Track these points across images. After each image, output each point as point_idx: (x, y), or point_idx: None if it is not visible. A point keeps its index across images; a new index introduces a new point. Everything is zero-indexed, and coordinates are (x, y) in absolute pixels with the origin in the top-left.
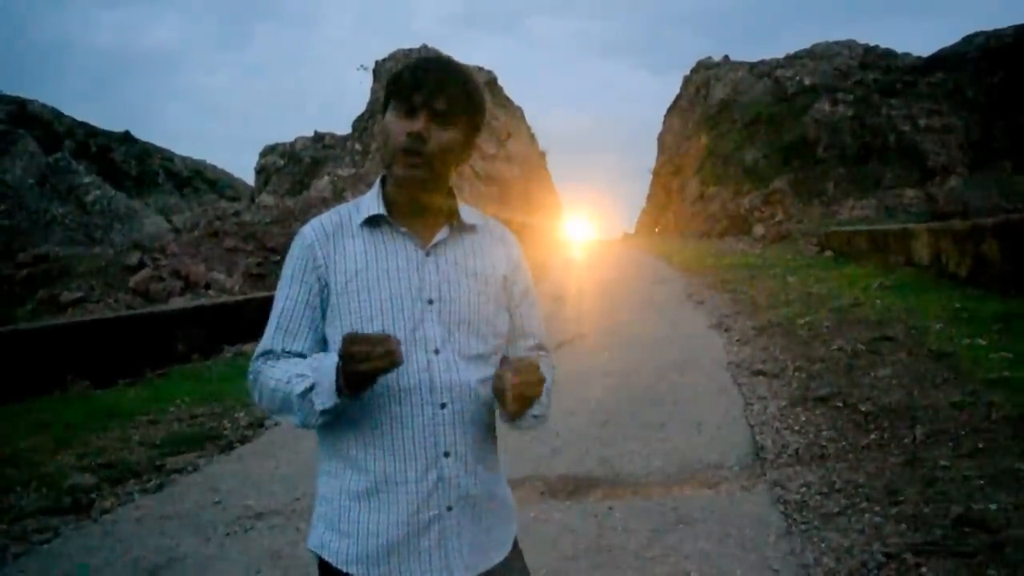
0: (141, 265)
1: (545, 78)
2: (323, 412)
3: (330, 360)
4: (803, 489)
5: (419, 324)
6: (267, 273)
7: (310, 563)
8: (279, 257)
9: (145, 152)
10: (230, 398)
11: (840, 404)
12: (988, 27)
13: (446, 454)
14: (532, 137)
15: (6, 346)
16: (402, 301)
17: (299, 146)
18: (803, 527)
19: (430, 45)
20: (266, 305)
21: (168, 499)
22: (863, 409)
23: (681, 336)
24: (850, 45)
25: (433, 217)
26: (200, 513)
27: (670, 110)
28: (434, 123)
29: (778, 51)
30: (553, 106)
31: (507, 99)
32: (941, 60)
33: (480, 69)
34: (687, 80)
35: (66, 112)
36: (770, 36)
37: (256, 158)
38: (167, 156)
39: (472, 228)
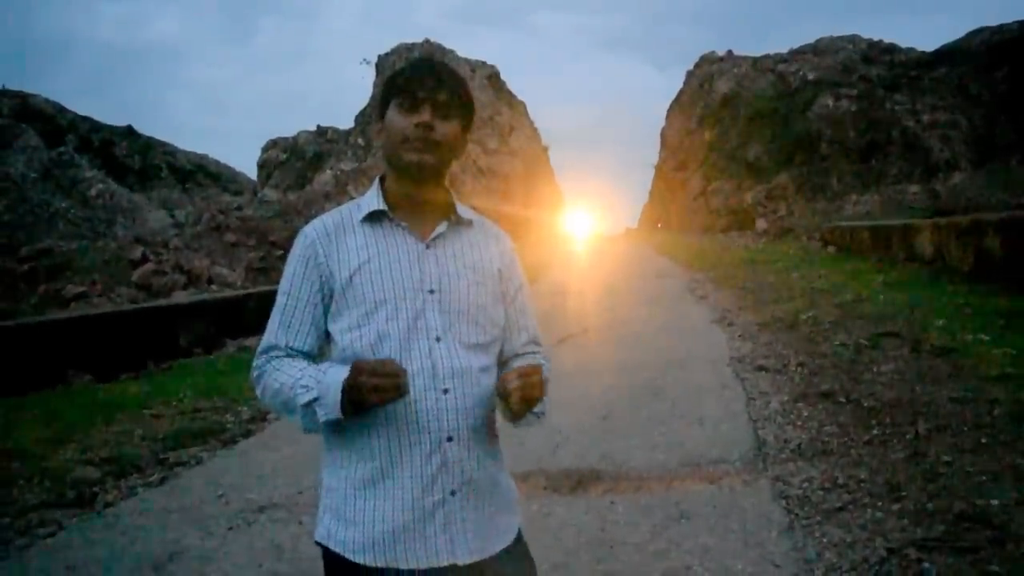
0: (144, 259)
1: (548, 73)
2: (325, 423)
3: (335, 376)
4: (805, 484)
5: (421, 313)
6: (269, 267)
7: (314, 556)
8: (281, 251)
9: (148, 146)
10: (233, 392)
11: (842, 399)
12: (993, 22)
13: (449, 439)
14: (535, 132)
15: (9, 340)
16: (404, 291)
17: (301, 140)
18: (805, 522)
19: (432, 39)
20: (268, 299)
21: (171, 493)
22: (865, 404)
23: (683, 331)
24: (854, 40)
25: (431, 212)
26: (203, 507)
27: (673, 105)
28: (438, 115)
29: (782, 46)
30: (556, 101)
31: (510, 94)
32: (945, 55)
33: (483, 63)
34: (690, 75)
35: (69, 106)
36: (774, 31)
37: (258, 152)
38: (170, 150)
39: (468, 223)
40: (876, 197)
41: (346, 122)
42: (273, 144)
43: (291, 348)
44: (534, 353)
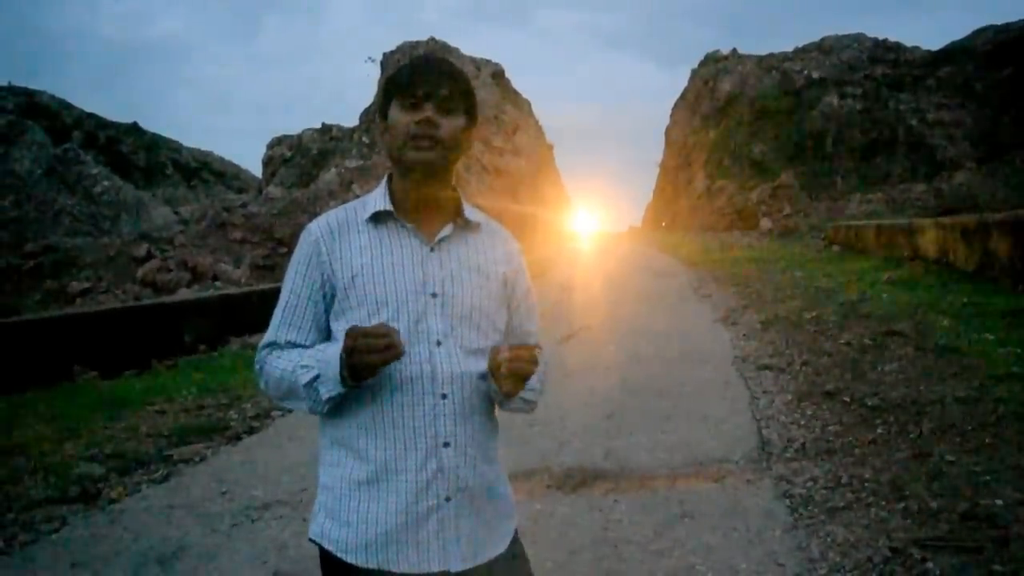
0: (149, 256)
1: (553, 71)
2: (328, 400)
3: (334, 350)
4: (809, 483)
5: (422, 317)
6: (274, 264)
7: (315, 555)
8: (286, 249)
9: (153, 143)
10: (237, 389)
11: (846, 399)
12: (998, 21)
13: (446, 444)
14: (539, 130)
15: (14, 336)
16: (406, 294)
17: (306, 138)
18: (809, 521)
19: (437, 37)
20: (273, 296)
21: (175, 489)
22: (869, 404)
23: (687, 329)
24: (859, 39)
25: (438, 214)
26: (207, 503)
27: (677, 103)
28: (440, 111)
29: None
30: (560, 99)
31: (515, 92)
32: (950, 54)
33: (488, 61)
34: (695, 73)
35: (74, 103)
36: (778, 29)
37: (263, 150)
38: (175, 147)
39: (475, 226)
40: (880, 196)
41: (351, 120)
42: (278, 141)
43: (292, 344)
44: None
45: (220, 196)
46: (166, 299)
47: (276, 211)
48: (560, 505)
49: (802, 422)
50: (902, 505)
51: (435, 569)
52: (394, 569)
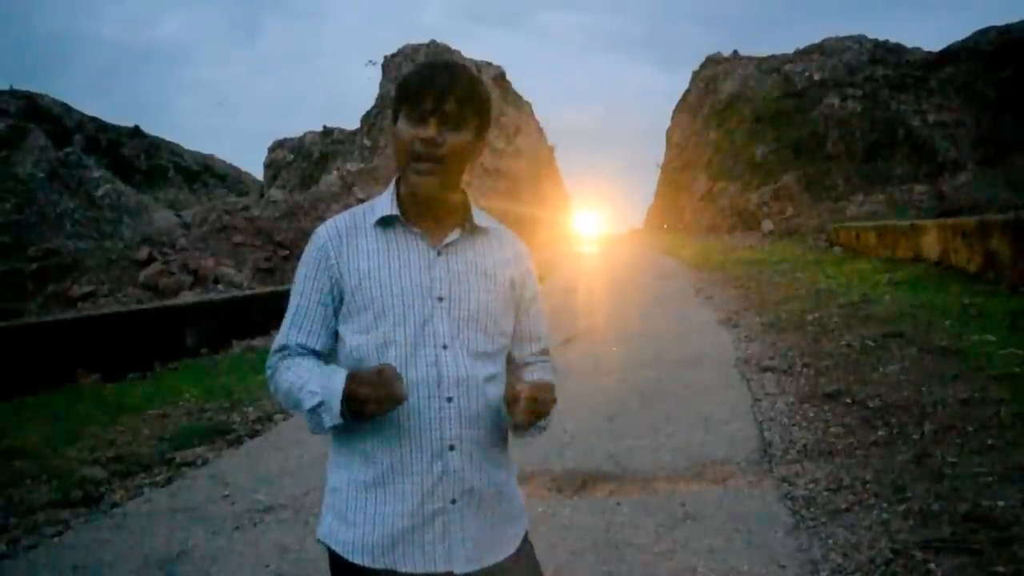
0: (151, 259)
1: (553, 73)
2: (332, 428)
3: (339, 383)
4: (811, 485)
5: (428, 320)
6: (276, 267)
7: (319, 557)
8: (288, 252)
9: (154, 146)
10: (239, 392)
11: (848, 400)
12: (999, 22)
13: (451, 447)
14: (541, 132)
15: (17, 340)
16: (413, 298)
17: (308, 141)
18: (811, 523)
19: (439, 40)
20: (275, 300)
21: (177, 492)
22: (871, 405)
23: (689, 331)
24: (860, 40)
25: (446, 218)
26: (209, 507)
27: (679, 105)
28: (445, 127)
29: (787, 46)
30: (562, 101)
31: (515, 94)
32: (951, 55)
33: (488, 64)
34: (696, 75)
35: (76, 106)
36: (779, 31)
37: (265, 153)
38: (176, 151)
39: (484, 231)
40: (882, 197)
41: (352, 123)
42: (279, 144)
43: (303, 347)
44: (543, 363)
45: (222, 199)
46: (168, 302)
47: (278, 214)
48: (562, 507)
49: (804, 424)
50: (904, 506)
51: (440, 570)
52: (400, 570)
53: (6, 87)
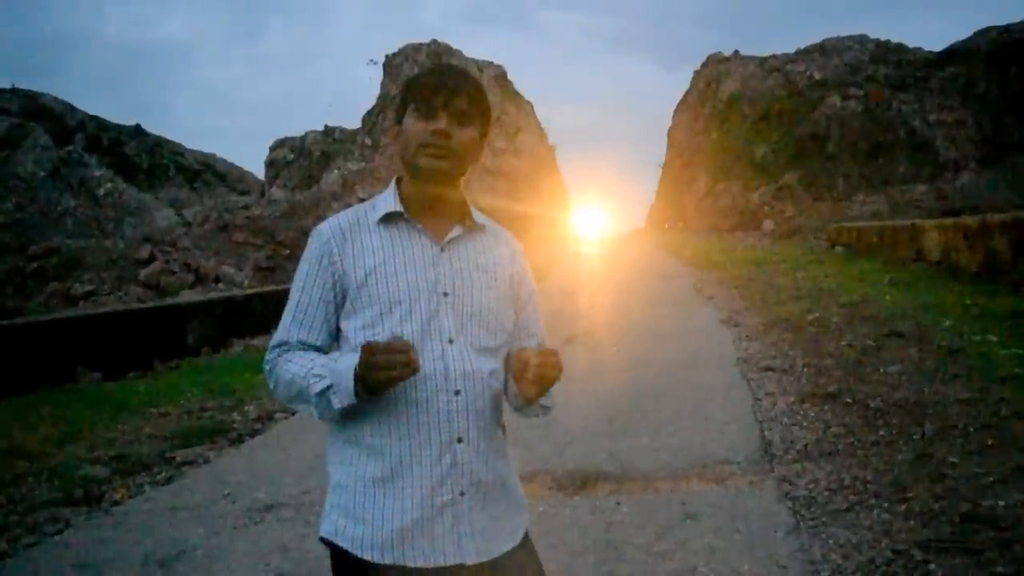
0: (152, 258)
1: (554, 72)
2: (340, 410)
3: (347, 362)
4: (811, 485)
5: (434, 315)
6: (277, 266)
7: (320, 555)
8: (289, 251)
9: (156, 145)
10: (240, 391)
11: (849, 400)
12: (1001, 22)
13: (459, 440)
14: (541, 131)
15: (18, 338)
16: (419, 293)
17: (309, 140)
18: (811, 523)
19: (440, 40)
20: (276, 298)
21: (178, 491)
22: (872, 405)
23: (690, 331)
24: (861, 40)
25: (447, 215)
26: (210, 505)
27: (680, 105)
28: (455, 122)
29: (789, 46)
30: (562, 100)
31: (516, 93)
32: (953, 55)
33: (490, 63)
34: (697, 75)
35: (78, 105)
36: (781, 31)
37: (266, 152)
38: (178, 150)
39: (481, 228)
40: (883, 197)
41: (353, 122)
42: (281, 144)
43: (303, 343)
44: None
45: (223, 198)
46: (169, 301)
47: (279, 213)
48: (562, 507)
49: (804, 424)
50: (904, 507)
51: (450, 562)
52: (410, 564)
53: (8, 86)
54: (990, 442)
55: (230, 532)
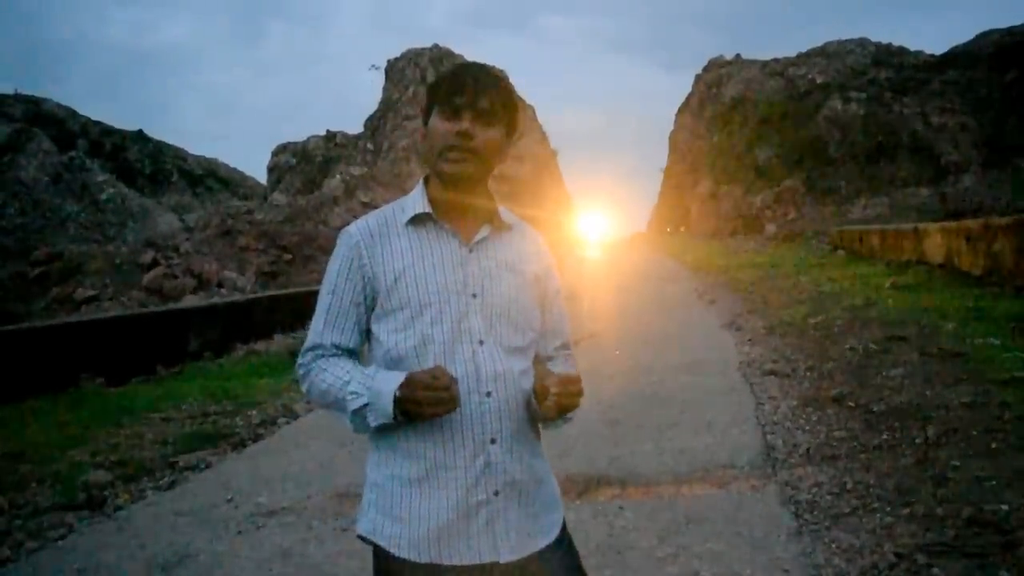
0: (154, 263)
1: (556, 76)
2: (376, 427)
3: (385, 384)
4: (814, 489)
5: (464, 316)
6: (279, 271)
7: (321, 560)
8: (291, 256)
9: (158, 150)
10: (242, 396)
11: (852, 404)
12: (1002, 24)
13: (492, 441)
14: (543, 136)
15: (21, 343)
16: (448, 295)
17: (311, 145)
18: (814, 527)
19: (441, 44)
20: (278, 304)
21: (181, 496)
22: (875, 409)
23: (692, 335)
24: (863, 43)
25: (474, 216)
26: (212, 510)
27: (682, 108)
28: (478, 122)
29: (790, 49)
30: (564, 104)
31: (518, 97)
32: (954, 58)
33: (491, 68)
34: (699, 78)
35: (80, 110)
36: (782, 34)
37: (268, 157)
38: (180, 155)
39: (509, 227)
40: (885, 200)
41: (355, 127)
42: (283, 148)
43: (336, 346)
44: (566, 356)
45: (225, 203)
46: (172, 306)
47: (281, 218)
48: (566, 511)
49: (807, 428)
50: (907, 511)
51: (486, 560)
52: (446, 562)
53: (10, 91)
54: (993, 445)
55: (232, 537)
